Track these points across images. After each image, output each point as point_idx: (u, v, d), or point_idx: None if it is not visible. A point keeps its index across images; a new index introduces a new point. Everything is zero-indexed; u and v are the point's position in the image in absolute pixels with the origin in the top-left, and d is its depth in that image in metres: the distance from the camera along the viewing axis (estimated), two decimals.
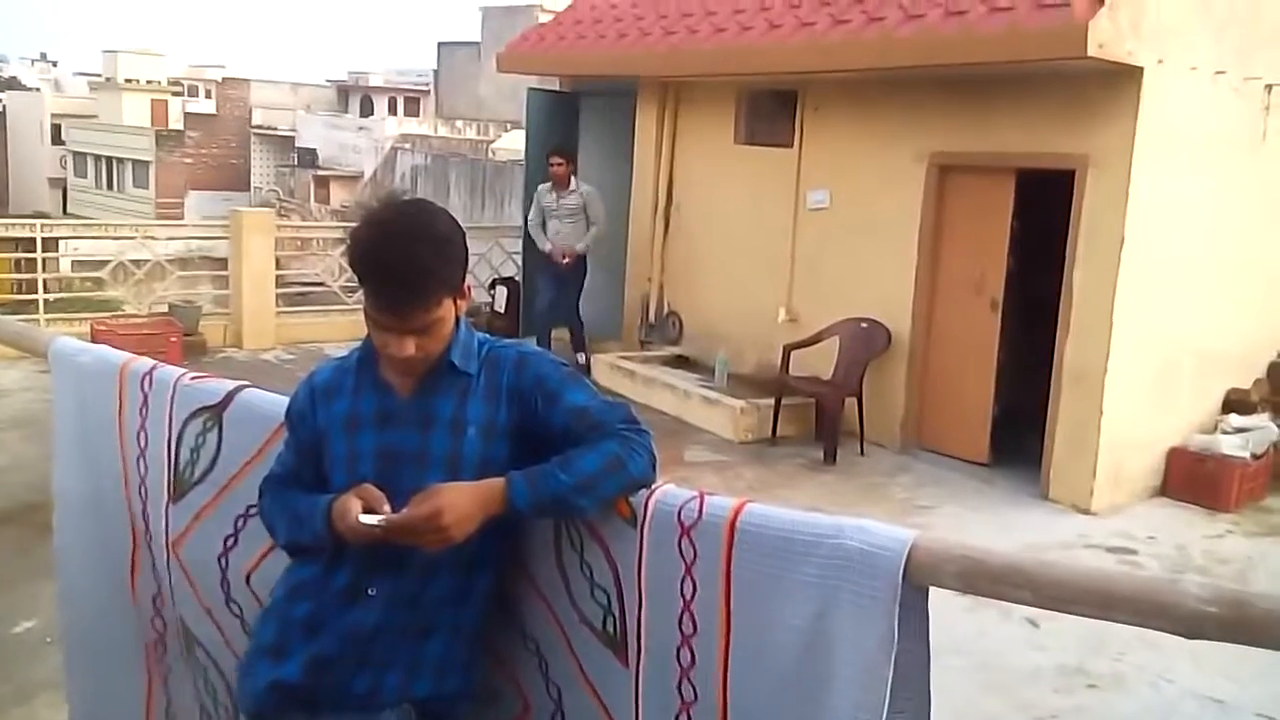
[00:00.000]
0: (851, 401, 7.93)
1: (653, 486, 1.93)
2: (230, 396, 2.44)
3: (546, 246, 9.48)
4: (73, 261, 12.69)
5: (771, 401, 8.12)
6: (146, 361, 2.66)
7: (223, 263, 10.92)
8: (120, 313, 10.70)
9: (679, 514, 1.85)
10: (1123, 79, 6.55)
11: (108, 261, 10.82)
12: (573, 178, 9.51)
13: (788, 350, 8.23)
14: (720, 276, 9.47)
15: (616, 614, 1.96)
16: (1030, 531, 6.49)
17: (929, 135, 7.74)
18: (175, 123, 40.78)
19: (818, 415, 8.13)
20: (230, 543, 2.43)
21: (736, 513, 1.81)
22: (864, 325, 8.07)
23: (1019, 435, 7.50)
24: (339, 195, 32.58)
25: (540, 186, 9.66)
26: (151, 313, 10.27)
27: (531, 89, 11.08)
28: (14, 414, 7.64)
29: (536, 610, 2.11)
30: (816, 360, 8.21)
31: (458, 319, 2.02)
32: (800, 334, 8.44)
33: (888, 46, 7.23)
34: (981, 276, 7.57)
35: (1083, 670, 4.79)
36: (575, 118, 10.95)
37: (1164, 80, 6.62)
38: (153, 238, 11.40)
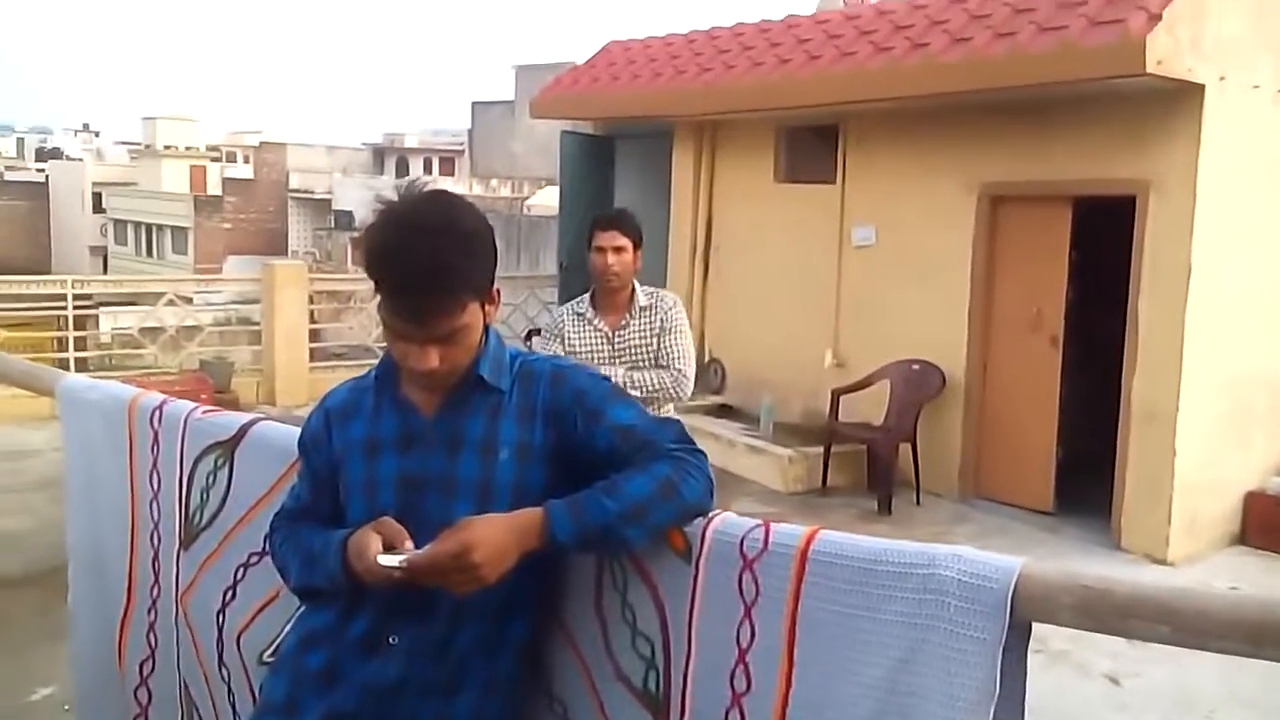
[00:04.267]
0: (905, 448, 7.60)
1: (710, 514, 1.70)
2: (244, 430, 2.28)
3: None
4: (113, 330, 12.63)
5: (820, 449, 7.82)
6: (156, 396, 2.49)
7: (260, 326, 10.82)
8: (152, 368, 10.57)
9: (741, 545, 1.62)
10: (1183, 98, 6.26)
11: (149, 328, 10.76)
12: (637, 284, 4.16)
13: (836, 395, 7.92)
14: (763, 321, 9.19)
15: (660, 668, 1.71)
16: None
17: (979, 165, 7.47)
18: (214, 188, 41.39)
19: (870, 463, 7.81)
20: (229, 596, 2.20)
21: (809, 540, 1.57)
22: (916, 367, 7.75)
23: (1085, 481, 7.10)
24: None
25: (564, 309, 4.27)
26: (183, 369, 10.15)
27: (565, 132, 10.95)
28: (42, 475, 7.48)
29: (566, 663, 1.85)
30: (867, 405, 7.89)
31: (486, 328, 1.80)
32: (848, 378, 8.14)
33: (933, 72, 7.00)
34: (1039, 312, 7.24)
35: None
36: (610, 161, 10.81)
37: (1226, 99, 6.33)
38: (184, 297, 11.32)
